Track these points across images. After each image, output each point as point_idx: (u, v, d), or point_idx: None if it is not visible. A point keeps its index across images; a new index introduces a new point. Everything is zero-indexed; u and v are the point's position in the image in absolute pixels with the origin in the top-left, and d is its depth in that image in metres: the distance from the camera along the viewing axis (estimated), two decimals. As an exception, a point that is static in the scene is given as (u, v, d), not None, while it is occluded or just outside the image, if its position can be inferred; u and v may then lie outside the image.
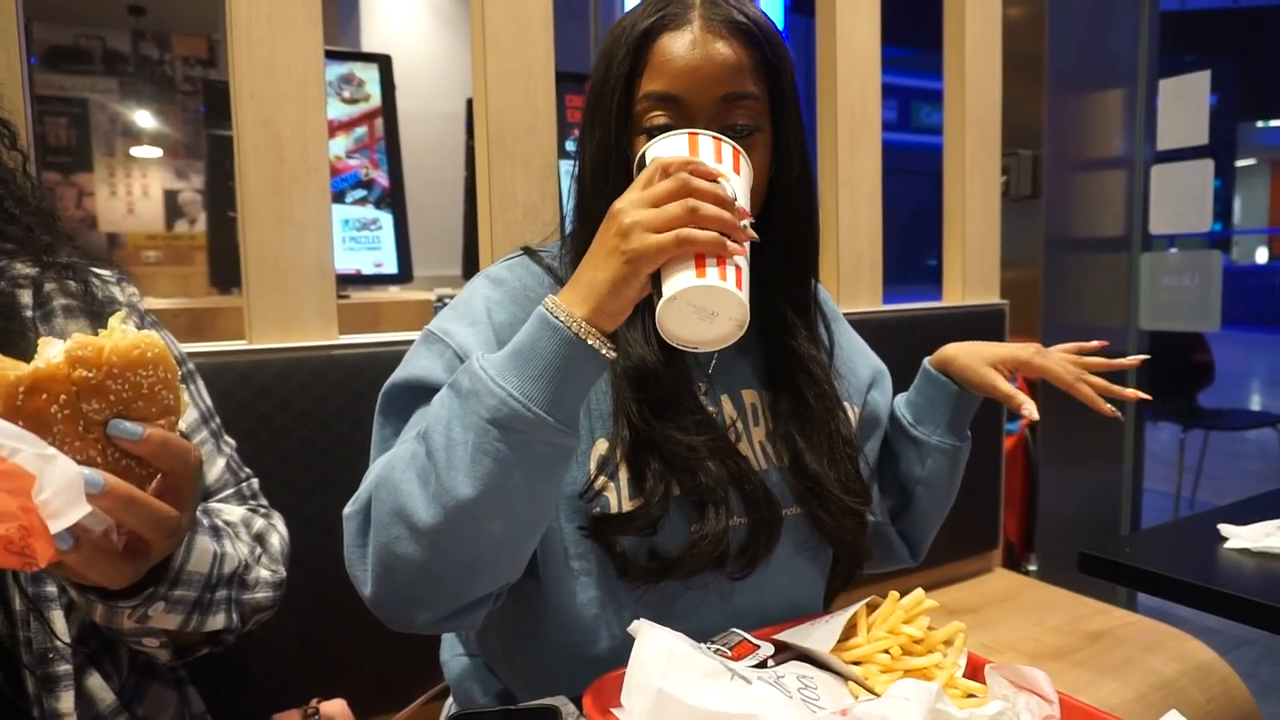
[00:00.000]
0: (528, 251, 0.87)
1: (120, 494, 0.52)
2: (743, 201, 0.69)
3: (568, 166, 0.89)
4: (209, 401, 0.84)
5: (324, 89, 1.10)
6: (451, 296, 2.17)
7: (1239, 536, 1.11)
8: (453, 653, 0.94)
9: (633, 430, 0.77)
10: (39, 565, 0.46)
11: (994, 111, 1.75)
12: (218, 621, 0.71)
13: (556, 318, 0.62)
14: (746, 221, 0.66)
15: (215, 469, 0.81)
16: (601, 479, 0.76)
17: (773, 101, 0.78)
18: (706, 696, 0.57)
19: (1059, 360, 0.92)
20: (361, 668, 1.13)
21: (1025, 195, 2.30)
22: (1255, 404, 6.89)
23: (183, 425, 0.79)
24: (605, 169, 0.78)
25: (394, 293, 2.48)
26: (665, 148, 0.71)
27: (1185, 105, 2.23)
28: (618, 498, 0.76)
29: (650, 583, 0.77)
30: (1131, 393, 0.92)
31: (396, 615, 0.69)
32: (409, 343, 1.17)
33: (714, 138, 0.71)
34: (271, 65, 1.08)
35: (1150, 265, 2.43)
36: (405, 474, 0.66)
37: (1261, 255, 16.51)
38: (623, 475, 0.77)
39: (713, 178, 0.65)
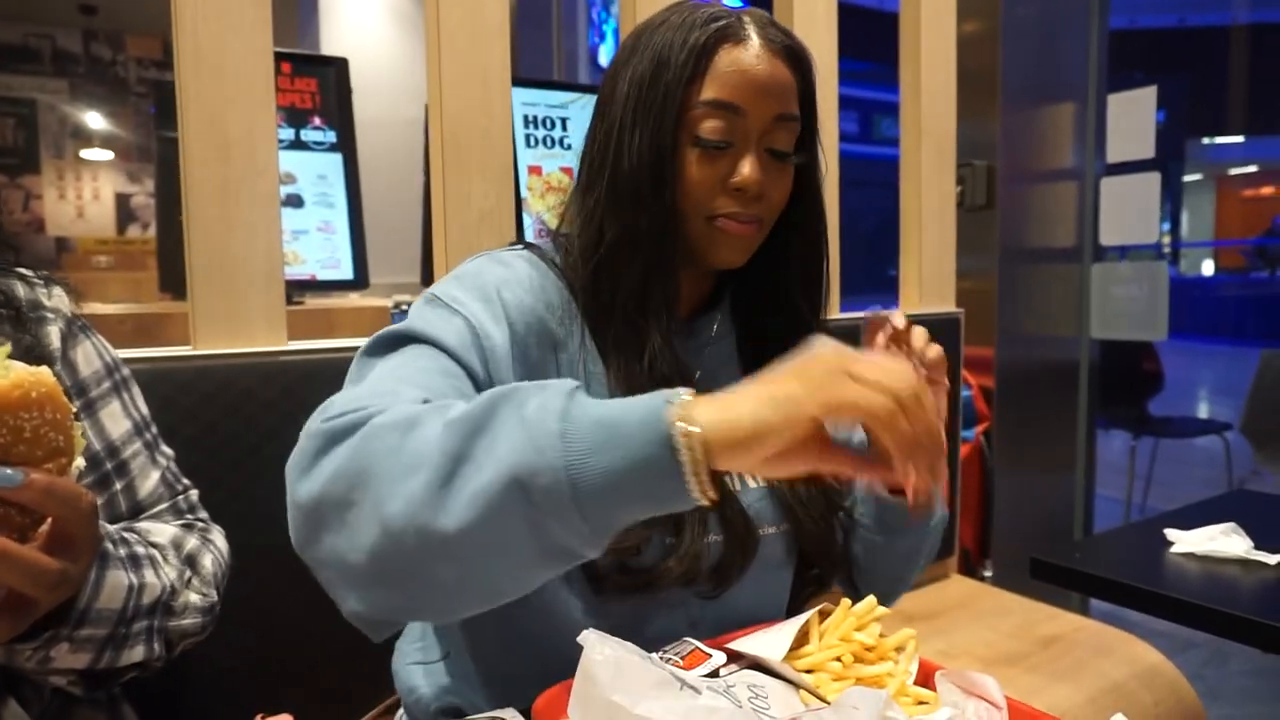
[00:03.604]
0: (528, 245, 0.85)
1: None
2: None
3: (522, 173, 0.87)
4: (144, 410, 0.81)
5: (273, 90, 1.08)
6: (409, 304, 2.15)
7: (1184, 541, 1.13)
8: (405, 661, 0.92)
9: None
10: None
11: (949, 124, 1.77)
12: (135, 655, 0.67)
13: (669, 421, 0.50)
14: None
15: (149, 482, 0.78)
16: None
17: (804, 129, 0.81)
18: (655, 707, 0.56)
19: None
20: (310, 680, 1.11)
21: (980, 206, 2.34)
22: (1203, 412, 7.07)
23: (114, 436, 0.76)
24: (655, 169, 0.76)
25: (351, 299, 2.45)
26: None
27: (1133, 120, 2.28)
28: None
29: (622, 596, 0.76)
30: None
31: (311, 556, 0.57)
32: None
33: None
34: (219, 65, 1.05)
35: (1101, 275, 2.49)
36: (407, 442, 0.53)
37: (1208, 267, 17.00)
38: None
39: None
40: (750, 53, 0.76)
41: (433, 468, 0.51)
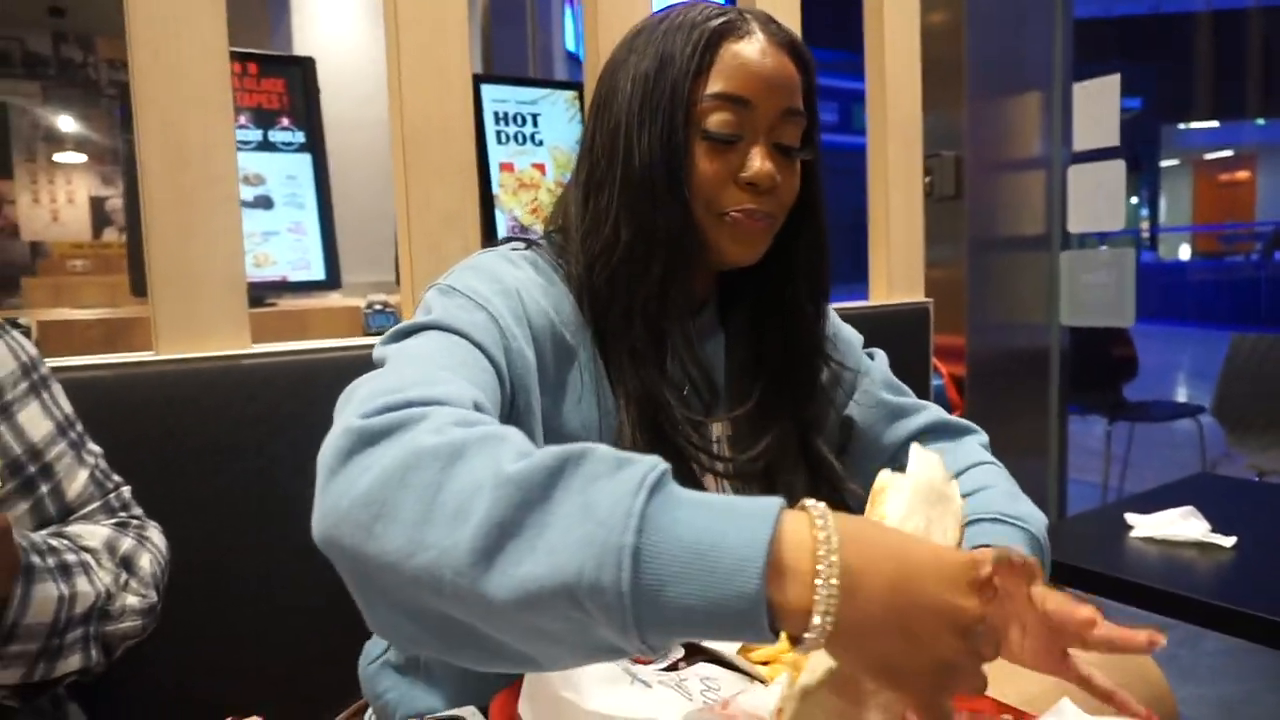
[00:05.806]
0: (530, 244, 0.83)
1: None
2: None
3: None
4: (68, 409, 0.79)
5: (230, 93, 1.08)
6: (384, 304, 2.14)
7: (1142, 525, 1.15)
8: (368, 661, 0.92)
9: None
10: None
11: (915, 116, 1.79)
12: (72, 664, 0.67)
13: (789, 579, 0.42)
14: None
15: (77, 482, 0.76)
16: None
17: (808, 127, 0.81)
18: (605, 701, 0.57)
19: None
20: (279, 681, 1.11)
21: (948, 196, 2.36)
22: (1181, 395, 7.14)
23: (36, 438, 0.74)
24: (668, 165, 0.75)
25: (328, 299, 2.44)
26: None
27: (1098, 108, 2.31)
28: None
29: None
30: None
31: (334, 558, 0.50)
32: (329, 350, 1.15)
33: None
34: (174, 68, 1.05)
35: (1069, 263, 2.51)
36: (450, 481, 0.47)
37: (1185, 252, 17.16)
38: None
39: None
40: (755, 47, 0.76)
41: (478, 532, 0.45)
